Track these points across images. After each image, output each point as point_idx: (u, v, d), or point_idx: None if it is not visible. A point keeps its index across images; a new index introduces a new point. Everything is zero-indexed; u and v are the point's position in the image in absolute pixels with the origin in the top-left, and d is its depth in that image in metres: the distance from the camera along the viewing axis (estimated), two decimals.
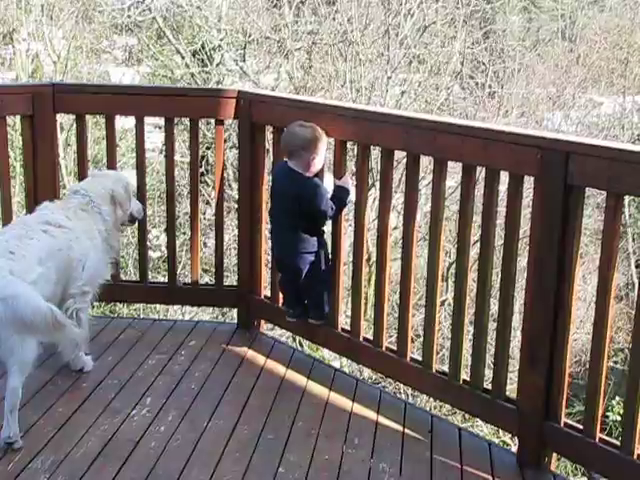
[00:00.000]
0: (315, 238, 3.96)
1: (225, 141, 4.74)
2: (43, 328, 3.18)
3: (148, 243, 4.92)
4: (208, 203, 11.58)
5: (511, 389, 3.63)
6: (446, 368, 3.74)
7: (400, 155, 3.94)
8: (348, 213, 4.37)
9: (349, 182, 4.05)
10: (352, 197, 4.09)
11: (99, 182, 4.10)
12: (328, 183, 4.12)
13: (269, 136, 4.46)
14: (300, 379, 4.08)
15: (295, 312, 4.20)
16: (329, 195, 3.93)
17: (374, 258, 4.73)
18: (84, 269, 3.85)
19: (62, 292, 3.79)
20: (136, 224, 4.46)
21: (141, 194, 4.64)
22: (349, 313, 4.24)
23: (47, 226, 3.71)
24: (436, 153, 3.57)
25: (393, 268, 4.44)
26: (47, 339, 3.41)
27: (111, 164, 4.63)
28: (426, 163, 5.80)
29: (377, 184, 8.54)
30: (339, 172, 4.05)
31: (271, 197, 4.06)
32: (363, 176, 3.99)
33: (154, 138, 12.02)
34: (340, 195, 3.98)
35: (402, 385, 8.67)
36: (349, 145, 4.09)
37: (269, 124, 4.39)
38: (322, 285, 4.06)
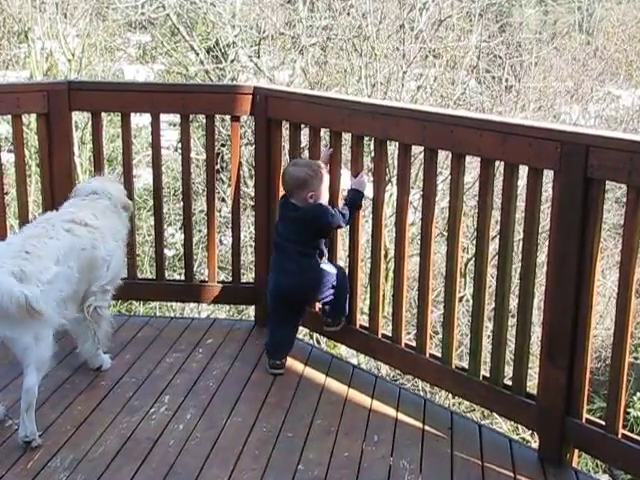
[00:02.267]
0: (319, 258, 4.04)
1: (241, 138, 4.75)
2: (18, 313, 3.18)
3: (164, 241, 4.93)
4: (224, 200, 11.58)
5: (531, 385, 3.63)
6: (465, 364, 3.74)
7: (417, 150, 3.93)
8: (365, 209, 4.37)
9: (365, 180, 4.06)
10: (369, 193, 4.09)
11: (113, 185, 4.14)
12: (344, 180, 4.13)
13: (285, 132, 4.47)
14: (318, 376, 4.09)
15: (281, 362, 4.12)
16: (341, 203, 4.03)
17: (391, 254, 4.76)
18: (109, 269, 3.87)
19: (85, 290, 3.81)
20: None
21: (157, 192, 4.67)
22: (367, 310, 4.25)
23: (72, 224, 3.72)
24: (453, 148, 3.56)
25: (410, 264, 4.43)
26: (26, 328, 3.31)
27: (127, 162, 4.65)
28: (443, 158, 5.83)
29: (394, 180, 8.57)
30: (356, 169, 4.06)
31: (277, 229, 4.09)
32: (380, 172, 3.99)
33: (169, 136, 12.06)
34: (354, 197, 4.02)
35: (421, 382, 8.66)
36: (365, 141, 4.10)
37: (285, 120, 4.39)
38: (340, 293, 4.08)
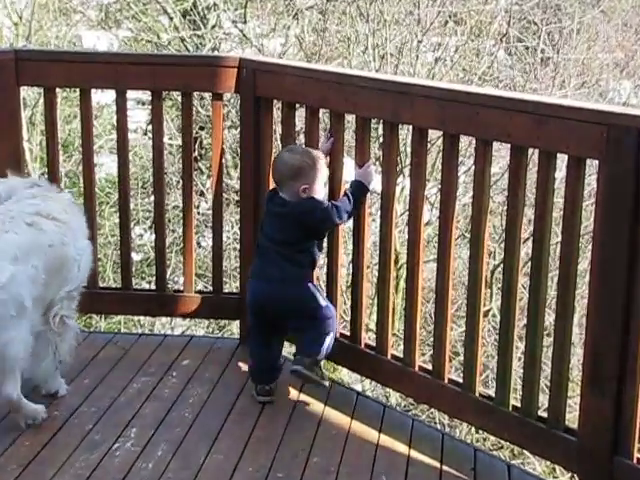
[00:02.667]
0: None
1: (223, 119, 4.76)
2: None
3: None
4: (202, 195, 11.61)
5: (571, 418, 3.63)
6: (492, 392, 3.75)
7: (434, 135, 3.95)
8: (372, 206, 4.39)
9: (372, 171, 4.09)
10: (377, 187, 4.10)
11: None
12: (348, 171, 4.14)
13: (277, 113, 4.48)
14: (316, 405, 4.10)
15: (269, 388, 4.12)
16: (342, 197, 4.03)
17: (403, 260, 4.72)
18: (79, 270, 3.88)
19: (53, 295, 3.80)
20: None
21: (122, 184, 4.68)
22: (373, 326, 4.27)
23: (36, 217, 3.72)
24: (478, 133, 3.57)
25: (426, 272, 4.45)
26: None
27: (86, 148, 4.67)
28: (466, 145, 5.84)
29: (407, 171, 8.58)
30: (361, 157, 4.07)
31: (261, 228, 4.11)
32: (390, 161, 4.00)
33: (137, 116, 12.07)
34: (357, 191, 4.03)
35: (438, 413, 8.68)
36: (373, 124, 4.11)
37: (277, 98, 4.41)
38: (321, 331, 4.02)
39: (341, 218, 3.99)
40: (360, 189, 4.05)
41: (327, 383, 4.06)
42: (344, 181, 4.17)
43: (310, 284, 4.02)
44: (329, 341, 3.99)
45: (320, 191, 4.02)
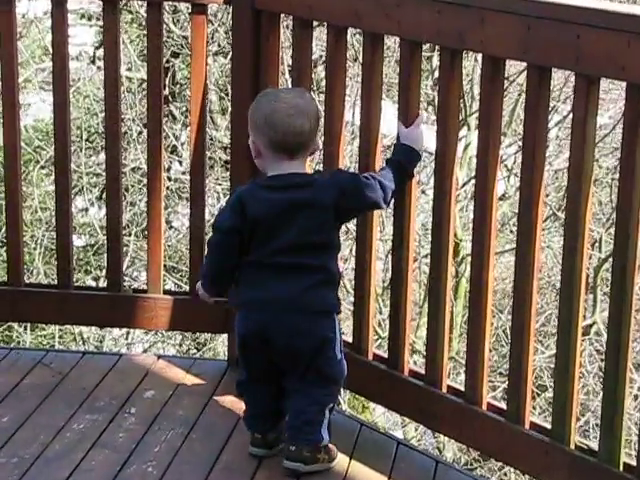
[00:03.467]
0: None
1: (207, 43, 4.75)
2: None
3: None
4: (175, 152, 11.63)
5: None
6: (593, 444, 3.74)
7: (515, 68, 3.94)
8: (420, 172, 4.38)
9: (422, 130, 4.09)
10: (429, 144, 4.09)
11: None
12: (388, 125, 4.14)
13: (285, 33, 4.47)
14: (339, 458, 4.09)
15: (269, 438, 4.11)
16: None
17: (465, 251, 4.65)
18: None
19: None
20: None
21: (60, 135, 4.67)
22: (420, 346, 4.27)
23: None
24: (579, 65, 3.55)
25: (498, 269, 4.44)
26: None
27: (7, 82, 4.66)
28: (560, 83, 5.81)
29: (473, 121, 8.55)
30: (406, 101, 4.06)
31: (257, 235, 3.99)
32: (449, 107, 3.98)
33: (81, 36, 12.07)
34: (405, 158, 4.04)
35: (514, 472, 8.68)
36: (425, 51, 4.10)
37: (286, 13, 4.42)
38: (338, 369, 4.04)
39: (386, 200, 3.99)
40: (408, 154, 4.04)
41: (336, 462, 4.06)
42: (381, 136, 4.16)
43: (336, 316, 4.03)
44: (329, 413, 4.01)
45: None
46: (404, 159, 4.03)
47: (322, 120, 4.09)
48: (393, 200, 4.11)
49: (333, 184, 3.93)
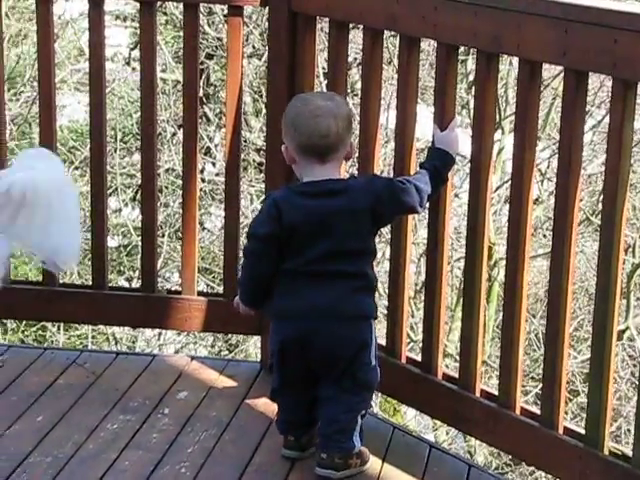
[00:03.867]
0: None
1: (243, 45, 4.75)
2: None
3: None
4: (208, 153, 11.63)
5: None
6: (628, 449, 3.72)
7: (550, 72, 3.93)
8: (454, 174, 4.38)
9: (458, 133, 4.08)
10: (464, 148, 4.09)
11: None
12: (423, 129, 4.14)
13: (321, 37, 4.47)
14: (371, 460, 4.09)
15: (302, 441, 4.10)
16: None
17: (499, 255, 4.67)
18: None
19: None
20: None
21: (95, 135, 4.69)
22: (453, 350, 4.26)
23: None
24: (616, 70, 3.54)
25: (532, 273, 4.42)
26: None
27: (45, 83, 4.67)
28: (596, 86, 5.80)
29: (507, 125, 8.53)
30: (442, 106, 4.06)
31: (293, 243, 3.97)
32: (485, 110, 3.98)
33: (116, 37, 12.08)
34: (440, 162, 4.02)
35: (545, 475, 8.65)
36: (461, 54, 4.09)
37: (323, 15, 4.42)
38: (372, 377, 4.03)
39: (422, 204, 3.97)
40: (443, 158, 4.03)
41: (369, 464, 4.05)
42: (415, 140, 4.15)
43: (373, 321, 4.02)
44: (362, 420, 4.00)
45: None
46: (439, 163, 4.02)
47: (356, 123, 4.08)
48: (429, 205, 4.12)
49: (369, 190, 3.91)
